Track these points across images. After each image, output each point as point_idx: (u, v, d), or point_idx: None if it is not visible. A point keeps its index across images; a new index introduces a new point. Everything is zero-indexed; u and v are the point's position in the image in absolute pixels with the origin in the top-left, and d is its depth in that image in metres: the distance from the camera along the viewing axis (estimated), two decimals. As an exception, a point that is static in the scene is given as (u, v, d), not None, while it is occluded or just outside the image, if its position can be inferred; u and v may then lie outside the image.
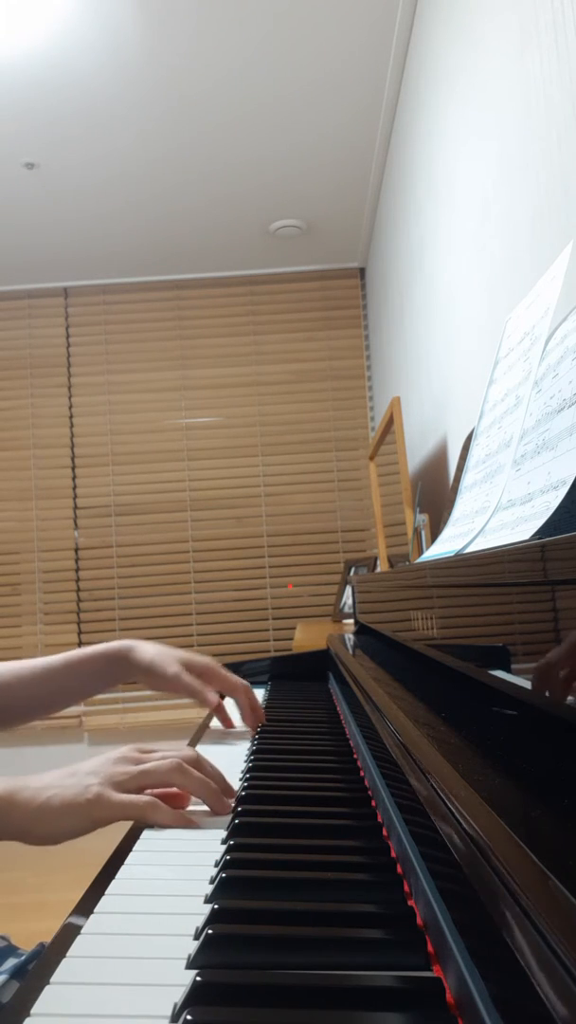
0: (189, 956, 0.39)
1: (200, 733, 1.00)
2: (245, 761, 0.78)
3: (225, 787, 0.67)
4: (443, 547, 0.85)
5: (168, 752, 0.67)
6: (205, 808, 0.65)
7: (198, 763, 0.66)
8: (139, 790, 0.62)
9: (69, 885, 1.00)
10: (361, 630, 1.49)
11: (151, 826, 0.60)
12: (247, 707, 0.98)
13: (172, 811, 0.61)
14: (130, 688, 3.84)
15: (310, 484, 4.00)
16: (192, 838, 0.58)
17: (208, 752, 0.74)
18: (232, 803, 0.64)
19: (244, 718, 0.99)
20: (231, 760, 0.82)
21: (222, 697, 1.01)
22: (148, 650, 0.95)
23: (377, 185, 3.27)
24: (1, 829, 0.59)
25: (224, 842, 0.55)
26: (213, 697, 0.96)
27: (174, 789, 0.65)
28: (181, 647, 3.53)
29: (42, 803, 0.59)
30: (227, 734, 1.00)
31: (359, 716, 0.80)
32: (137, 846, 0.56)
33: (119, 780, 0.61)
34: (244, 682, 0.99)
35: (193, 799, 0.66)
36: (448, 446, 2.20)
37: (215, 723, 1.04)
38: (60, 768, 0.64)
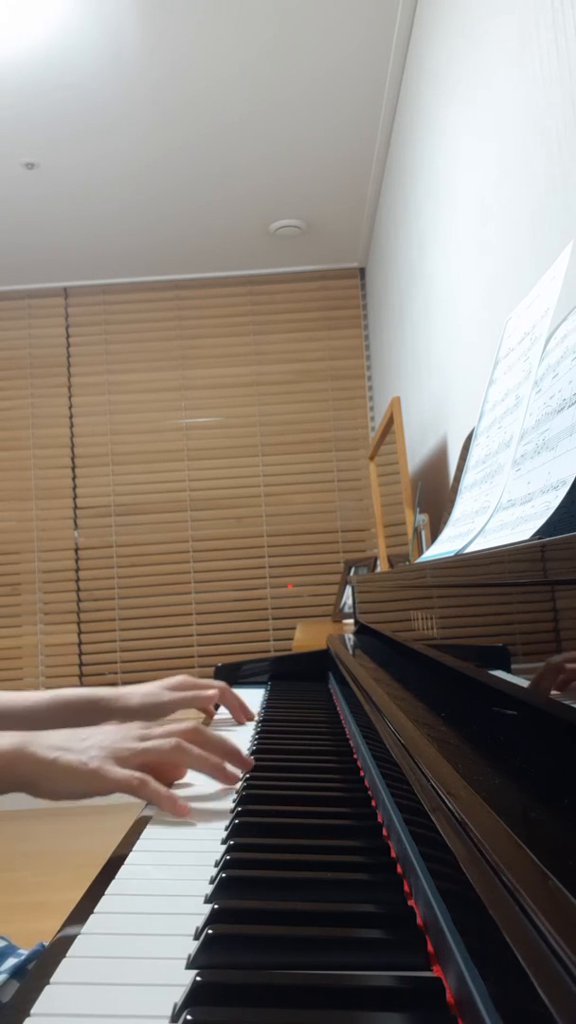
0: (189, 956, 0.39)
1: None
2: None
3: (231, 751, 0.68)
4: (443, 547, 0.85)
5: (172, 727, 0.69)
6: (205, 805, 0.65)
7: (200, 735, 0.68)
8: (140, 766, 0.64)
9: (69, 885, 1.00)
10: (361, 630, 1.49)
11: (141, 824, 0.61)
12: (235, 705, 1.02)
13: (160, 789, 0.62)
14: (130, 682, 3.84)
15: (310, 484, 4.00)
16: (192, 838, 0.58)
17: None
18: (240, 772, 0.67)
19: (236, 715, 1.02)
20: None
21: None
22: (134, 695, 0.98)
23: (377, 185, 3.27)
24: (12, 779, 0.62)
25: (224, 842, 0.55)
26: (210, 692, 0.99)
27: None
28: (181, 647, 3.54)
29: (51, 760, 0.62)
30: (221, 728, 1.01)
31: (359, 716, 0.80)
32: (137, 846, 0.56)
33: (121, 755, 0.64)
34: (220, 683, 1.03)
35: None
36: (448, 446, 2.20)
37: (218, 716, 1.06)
38: (68, 730, 0.67)
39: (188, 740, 0.67)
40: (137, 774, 0.63)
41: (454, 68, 1.88)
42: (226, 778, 0.66)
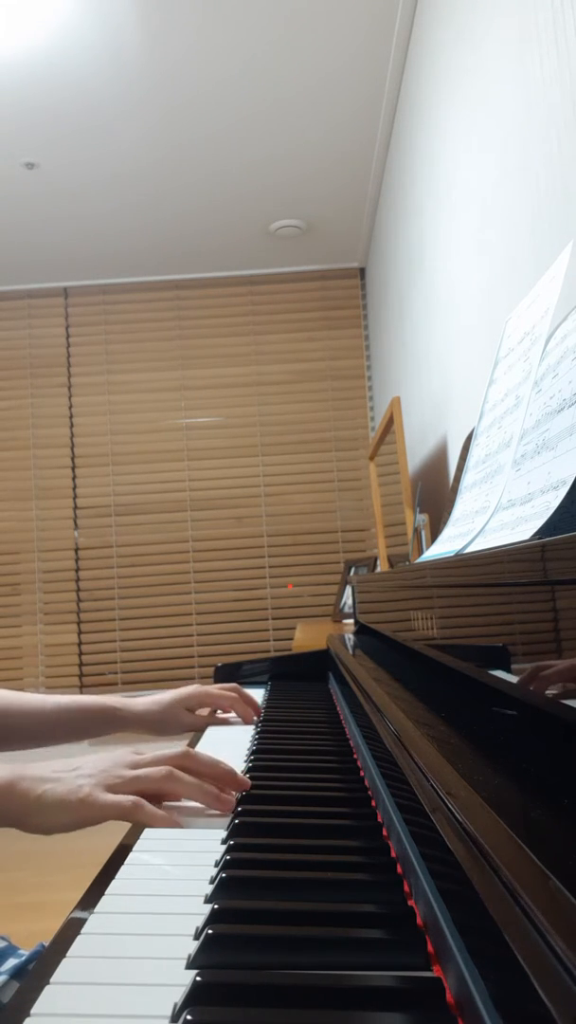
0: (189, 956, 0.39)
1: (198, 735, 1.01)
2: (245, 761, 0.78)
3: (225, 775, 0.67)
4: (443, 547, 0.85)
5: (162, 753, 0.67)
6: (201, 806, 0.65)
7: (191, 761, 0.67)
8: (131, 795, 0.63)
9: (69, 885, 1.00)
10: (361, 630, 1.49)
11: (140, 825, 0.61)
12: (244, 710, 1.04)
13: (156, 812, 0.61)
14: (130, 686, 3.84)
15: (310, 484, 4.00)
16: (192, 838, 0.58)
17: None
18: (234, 796, 0.65)
19: (246, 719, 1.04)
20: (229, 761, 0.81)
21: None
22: (148, 706, 0.98)
23: (377, 185, 3.27)
24: (1, 815, 0.61)
25: (224, 842, 0.55)
26: (221, 716, 1.04)
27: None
28: (181, 647, 3.53)
29: (39, 795, 0.61)
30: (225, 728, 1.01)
31: (359, 716, 0.80)
32: (137, 846, 0.56)
33: (111, 783, 0.63)
34: (232, 686, 1.06)
35: None
36: (448, 446, 2.20)
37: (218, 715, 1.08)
38: (60, 759, 0.66)
39: (179, 766, 0.66)
40: (130, 797, 0.62)
41: (454, 68, 1.88)
42: (220, 805, 0.64)
